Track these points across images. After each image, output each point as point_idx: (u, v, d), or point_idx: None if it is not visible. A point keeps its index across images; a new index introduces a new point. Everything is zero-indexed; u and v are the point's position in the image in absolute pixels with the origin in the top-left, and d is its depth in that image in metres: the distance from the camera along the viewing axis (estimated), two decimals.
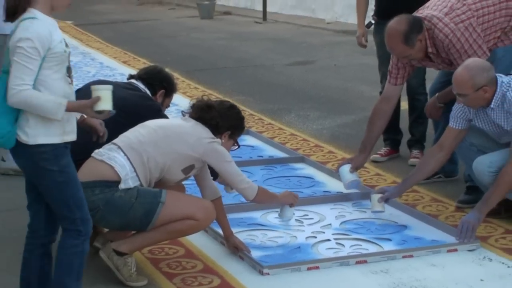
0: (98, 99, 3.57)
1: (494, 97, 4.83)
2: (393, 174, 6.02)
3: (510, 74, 5.13)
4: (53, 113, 3.58)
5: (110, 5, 19.64)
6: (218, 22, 16.88)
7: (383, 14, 6.50)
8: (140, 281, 4.44)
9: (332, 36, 14.21)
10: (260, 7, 16.86)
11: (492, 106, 4.85)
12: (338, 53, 12.43)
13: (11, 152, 3.80)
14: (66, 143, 3.76)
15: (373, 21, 6.95)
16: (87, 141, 4.30)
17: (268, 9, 16.64)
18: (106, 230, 4.72)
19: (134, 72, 5.66)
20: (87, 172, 4.30)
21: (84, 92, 5.10)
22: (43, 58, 3.62)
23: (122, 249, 4.42)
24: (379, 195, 5.26)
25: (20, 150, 3.71)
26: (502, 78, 4.92)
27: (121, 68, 11.01)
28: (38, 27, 3.65)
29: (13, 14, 3.74)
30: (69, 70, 3.82)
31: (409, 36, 5.29)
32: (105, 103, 3.63)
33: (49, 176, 3.70)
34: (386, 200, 5.28)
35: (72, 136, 3.79)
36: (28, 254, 3.95)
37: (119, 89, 4.88)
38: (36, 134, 3.65)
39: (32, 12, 3.70)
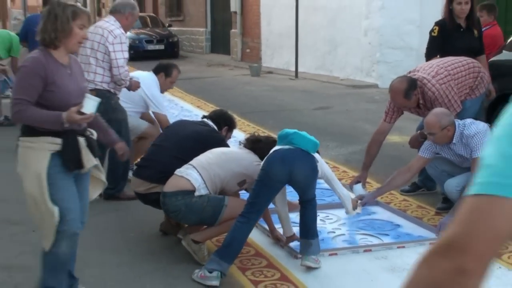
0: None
1: (455, 135, 4.94)
2: (418, 201, 5.91)
3: (477, 119, 5.12)
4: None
5: (188, 66, 19.68)
6: (263, 79, 16.91)
7: None
8: None
9: (345, 89, 14.16)
10: (293, 68, 16.87)
11: (454, 141, 4.97)
12: (348, 101, 12.40)
13: None
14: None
15: None
16: (170, 164, 4.45)
17: (299, 69, 16.65)
18: (185, 225, 4.71)
19: (205, 113, 5.68)
20: (171, 185, 4.34)
21: (172, 128, 5.18)
22: None
23: (198, 239, 4.46)
24: (357, 201, 5.20)
25: None
26: (458, 121, 5.00)
27: (195, 111, 11.07)
28: None
29: None
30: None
31: (408, 92, 5.37)
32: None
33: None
34: (363, 204, 5.29)
35: None
36: None
37: (195, 125, 4.97)
38: None
39: None
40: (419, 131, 5.82)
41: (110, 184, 6.02)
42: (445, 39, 6.01)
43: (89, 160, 3.51)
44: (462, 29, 5.98)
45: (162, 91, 6.12)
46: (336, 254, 4.57)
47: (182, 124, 5.26)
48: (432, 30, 6.19)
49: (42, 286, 3.68)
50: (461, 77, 5.68)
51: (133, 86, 5.89)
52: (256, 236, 4.79)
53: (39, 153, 3.40)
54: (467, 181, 4.86)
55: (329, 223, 5.27)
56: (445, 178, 5.18)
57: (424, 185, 5.99)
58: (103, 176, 3.87)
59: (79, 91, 3.54)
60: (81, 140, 3.49)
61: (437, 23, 6.16)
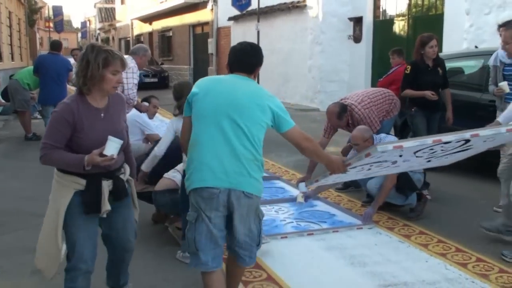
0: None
1: None
2: (348, 196, 5.88)
3: (390, 134, 5.16)
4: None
5: None
6: None
7: (420, 106, 5.92)
8: None
9: (294, 112, 14.14)
10: None
11: None
12: (297, 121, 12.24)
13: None
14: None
15: (413, 110, 6.00)
16: (159, 169, 4.37)
17: None
18: (172, 216, 4.65)
19: None
20: (161, 185, 4.28)
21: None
22: None
23: (181, 226, 4.38)
24: (301, 194, 5.49)
25: None
26: (375, 136, 5.06)
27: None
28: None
29: None
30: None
31: (340, 114, 5.41)
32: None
33: None
34: (308, 198, 5.45)
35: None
36: None
37: (178, 139, 4.85)
38: None
39: None
40: (349, 143, 5.88)
41: None
42: (416, 76, 5.83)
43: (105, 205, 2.83)
44: (429, 68, 5.85)
45: (150, 117, 6.09)
46: (286, 237, 4.53)
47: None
48: (405, 69, 6.05)
49: None
50: (380, 103, 5.76)
51: (143, 108, 6.11)
52: None
53: (65, 189, 2.82)
54: (382, 181, 4.91)
55: (281, 213, 5.22)
56: (367, 179, 5.15)
57: (352, 184, 6.00)
58: (136, 214, 3.22)
59: (113, 133, 2.78)
60: (105, 184, 2.82)
61: (409, 63, 6.06)
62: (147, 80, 22.78)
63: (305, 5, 15.07)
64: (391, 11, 13.56)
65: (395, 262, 4.01)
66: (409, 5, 12.82)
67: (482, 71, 6.38)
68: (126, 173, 3.02)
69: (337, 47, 14.40)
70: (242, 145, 2.77)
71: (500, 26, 5.06)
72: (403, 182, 4.95)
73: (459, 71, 7.17)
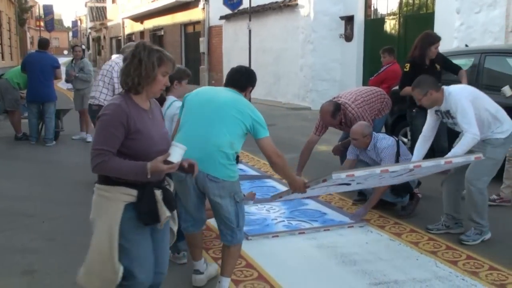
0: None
1: (370, 144, 4.94)
2: (339, 194, 5.88)
3: (380, 132, 5.16)
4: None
5: None
6: None
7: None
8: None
9: (286, 111, 14.22)
10: None
11: (368, 148, 4.97)
12: (289, 120, 12.45)
13: None
14: None
15: (414, 111, 5.96)
16: None
17: (252, 96, 16.54)
18: None
19: None
20: None
21: None
22: None
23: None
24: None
25: None
26: (375, 134, 5.01)
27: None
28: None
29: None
30: None
31: (334, 113, 5.39)
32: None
33: None
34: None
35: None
36: None
37: None
38: None
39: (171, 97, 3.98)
40: (340, 142, 5.89)
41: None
42: (415, 73, 5.51)
43: (164, 213, 2.59)
44: (426, 66, 5.78)
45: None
46: (277, 236, 4.53)
47: None
48: (404, 67, 5.99)
49: None
50: (372, 102, 5.78)
51: None
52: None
53: (113, 203, 2.52)
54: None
55: (273, 212, 5.22)
56: None
57: None
58: (175, 228, 2.90)
59: (161, 136, 2.64)
60: (157, 193, 2.59)
61: (408, 61, 5.94)
62: None
63: (297, 4, 15.08)
64: (382, 10, 13.60)
65: (386, 260, 4.02)
66: (400, 4, 12.86)
67: (473, 70, 6.40)
68: (171, 185, 2.81)
69: (328, 46, 14.43)
70: (216, 135, 3.13)
71: None
72: (399, 184, 4.96)
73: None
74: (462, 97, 4.14)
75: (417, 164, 3.78)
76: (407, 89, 5.62)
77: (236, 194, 3.26)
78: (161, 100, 3.86)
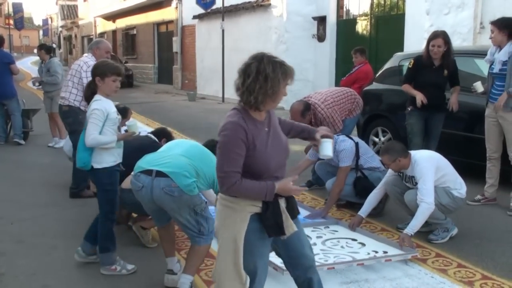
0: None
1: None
2: (312, 194, 5.89)
3: (348, 137, 5.18)
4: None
5: (140, 93, 19.40)
6: (198, 103, 16.80)
7: (416, 105, 5.55)
8: (153, 244, 4.34)
9: None
10: (221, 95, 16.85)
11: None
12: None
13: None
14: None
15: (409, 109, 5.69)
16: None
17: (225, 96, 16.63)
18: (135, 215, 4.59)
19: (150, 129, 5.54)
20: (127, 183, 4.11)
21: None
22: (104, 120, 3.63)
23: (145, 226, 4.35)
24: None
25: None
26: (335, 137, 4.99)
27: (145, 127, 10.81)
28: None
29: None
30: (118, 128, 3.79)
31: (303, 112, 5.38)
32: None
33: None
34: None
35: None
36: (96, 220, 3.92)
37: (141, 139, 4.81)
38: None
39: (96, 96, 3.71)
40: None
41: (73, 184, 5.85)
42: (418, 72, 5.56)
43: (290, 226, 2.50)
44: (434, 67, 5.47)
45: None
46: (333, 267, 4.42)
47: (133, 138, 5.07)
48: (409, 63, 5.76)
49: None
50: (343, 103, 5.80)
51: None
52: None
53: (239, 214, 2.44)
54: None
55: None
56: (329, 176, 5.22)
57: (316, 182, 6.04)
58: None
59: (279, 147, 2.53)
60: (282, 203, 2.50)
61: (413, 58, 5.69)
62: None
63: (270, 4, 15.11)
64: (354, 11, 13.73)
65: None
66: (372, 5, 12.99)
67: None
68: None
69: (301, 46, 14.49)
70: (188, 156, 3.49)
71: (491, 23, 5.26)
72: (361, 188, 5.04)
73: None
74: (426, 169, 4.28)
75: (360, 262, 3.83)
76: (404, 87, 5.68)
77: (196, 207, 3.33)
78: (88, 99, 3.78)
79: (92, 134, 3.58)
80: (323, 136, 2.82)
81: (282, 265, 3.42)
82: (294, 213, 2.58)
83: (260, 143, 2.43)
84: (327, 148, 2.74)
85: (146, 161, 3.50)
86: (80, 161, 3.69)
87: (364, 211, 4.59)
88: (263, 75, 2.37)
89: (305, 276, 2.71)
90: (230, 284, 2.51)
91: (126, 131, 4.09)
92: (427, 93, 5.47)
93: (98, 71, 3.72)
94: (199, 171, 3.40)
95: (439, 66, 5.49)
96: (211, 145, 3.84)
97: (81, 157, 3.68)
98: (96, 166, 3.66)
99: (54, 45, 52.27)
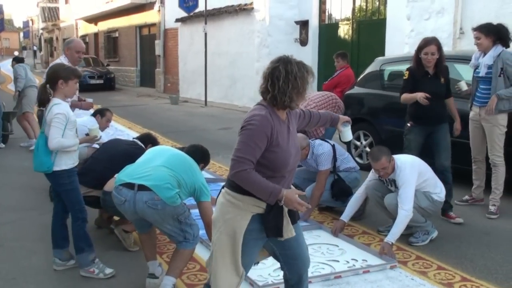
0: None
1: (309, 153, 5.00)
2: None
3: (326, 141, 5.20)
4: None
5: (122, 97, 19.29)
6: (180, 106, 16.73)
7: (418, 120, 5.09)
8: (135, 248, 4.32)
9: (242, 114, 14.15)
10: (203, 98, 16.83)
11: (308, 158, 5.03)
12: None
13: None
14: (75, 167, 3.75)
15: (408, 125, 5.14)
16: (104, 173, 4.25)
17: (208, 99, 16.63)
18: (117, 218, 4.55)
19: (134, 132, 5.48)
20: (110, 186, 4.05)
21: (104, 144, 4.96)
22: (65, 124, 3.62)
23: (127, 229, 4.32)
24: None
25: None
26: (311, 142, 5.10)
27: (127, 131, 10.77)
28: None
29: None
30: (76, 130, 3.79)
31: None
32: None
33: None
34: None
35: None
36: (53, 225, 3.93)
37: (126, 145, 4.77)
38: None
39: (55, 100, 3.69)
40: None
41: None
42: (415, 83, 5.02)
43: (289, 231, 2.59)
44: (429, 76, 4.99)
45: (101, 129, 5.78)
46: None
47: (116, 142, 4.98)
48: (403, 74, 5.21)
49: None
50: (324, 107, 5.87)
51: (85, 106, 5.78)
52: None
53: (242, 212, 2.51)
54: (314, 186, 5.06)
55: None
56: (306, 183, 5.24)
57: (296, 187, 6.04)
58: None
59: (296, 146, 2.63)
60: (285, 207, 2.56)
61: (407, 69, 5.13)
62: (93, 81, 22.36)
63: (252, 8, 15.14)
64: (336, 15, 13.81)
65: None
66: (353, 9, 13.09)
67: None
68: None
69: (284, 50, 14.49)
70: (169, 167, 3.52)
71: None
72: (338, 191, 5.08)
73: (400, 74, 7.35)
74: (409, 176, 4.33)
75: (338, 275, 3.80)
76: (405, 96, 5.11)
77: (180, 216, 3.39)
78: (45, 102, 3.75)
79: (56, 137, 3.57)
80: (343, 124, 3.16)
81: (258, 280, 3.63)
82: (294, 218, 2.66)
83: (282, 140, 2.51)
84: (348, 135, 3.15)
85: (127, 174, 3.48)
86: (44, 165, 3.65)
87: (346, 215, 4.63)
88: (293, 76, 2.47)
89: (298, 278, 2.80)
90: (225, 275, 2.57)
91: (87, 134, 4.06)
92: (428, 105, 4.91)
93: (63, 74, 3.69)
94: (180, 181, 3.42)
95: (434, 74, 5.04)
96: (192, 151, 3.87)
97: (44, 161, 3.64)
98: (55, 168, 3.65)
99: (35, 48, 51.74)
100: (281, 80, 2.47)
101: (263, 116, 2.46)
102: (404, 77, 5.19)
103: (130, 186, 3.38)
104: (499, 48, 5.13)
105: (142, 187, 3.34)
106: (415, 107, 5.04)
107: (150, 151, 3.80)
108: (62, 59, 5.62)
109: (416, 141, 5.10)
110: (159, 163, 3.47)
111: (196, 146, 4.08)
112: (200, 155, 3.95)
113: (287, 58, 2.54)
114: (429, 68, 5.01)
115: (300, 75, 2.49)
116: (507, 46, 5.21)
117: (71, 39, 6.04)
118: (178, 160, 3.55)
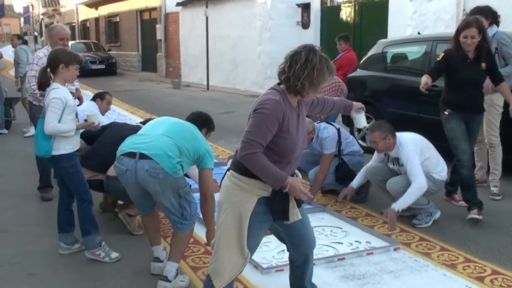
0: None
1: (314, 137, 4.98)
2: None
3: (331, 124, 5.20)
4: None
5: (124, 82, 19.24)
6: (182, 91, 16.71)
7: (455, 108, 4.61)
8: (139, 232, 4.33)
9: (244, 98, 14.20)
10: (205, 82, 16.79)
11: (313, 141, 5.01)
12: (247, 107, 12.35)
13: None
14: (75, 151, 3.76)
15: (446, 113, 4.63)
16: (108, 157, 4.21)
17: (210, 83, 16.60)
18: (121, 202, 4.56)
19: (136, 117, 5.45)
20: (113, 171, 4.06)
21: (109, 128, 4.90)
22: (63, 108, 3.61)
23: (131, 213, 4.33)
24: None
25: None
26: (316, 126, 5.09)
27: (129, 116, 10.77)
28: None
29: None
30: (76, 115, 3.78)
31: None
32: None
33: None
34: None
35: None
36: (59, 210, 3.95)
37: (131, 130, 4.68)
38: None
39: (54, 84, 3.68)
40: None
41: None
42: (450, 68, 4.59)
43: (295, 214, 2.63)
44: (468, 60, 4.54)
45: (102, 113, 5.73)
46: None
47: (121, 126, 4.94)
48: (439, 55, 4.85)
49: None
50: (327, 90, 5.85)
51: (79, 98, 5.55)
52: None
53: (248, 195, 2.53)
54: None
55: None
56: (309, 166, 5.26)
57: (300, 170, 6.03)
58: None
59: (304, 134, 2.67)
60: None
61: (444, 51, 4.69)
62: (94, 66, 22.30)
63: None
64: None
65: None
66: None
67: (425, 57, 6.53)
68: (299, 176, 2.76)
69: (285, 33, 14.45)
70: (170, 135, 3.42)
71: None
72: (342, 174, 5.09)
73: (403, 56, 7.33)
74: (411, 151, 4.36)
75: (341, 257, 3.81)
76: (424, 78, 4.61)
77: (180, 190, 3.30)
78: (45, 86, 3.73)
79: (51, 122, 3.55)
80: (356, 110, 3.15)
81: (263, 262, 3.61)
82: (299, 202, 2.69)
83: (291, 127, 2.53)
84: (362, 121, 3.11)
85: (129, 144, 3.44)
86: (42, 150, 3.65)
87: (355, 183, 4.79)
88: (311, 64, 2.46)
89: (304, 259, 2.84)
90: (230, 257, 2.59)
91: (85, 120, 4.03)
92: (464, 92, 4.57)
93: (64, 59, 3.66)
94: (182, 149, 3.34)
95: (475, 59, 4.56)
96: (193, 118, 3.83)
97: (42, 145, 3.64)
98: (54, 153, 3.64)
99: (36, 33, 51.49)
100: (299, 65, 2.47)
101: (276, 101, 2.48)
102: (438, 59, 4.80)
103: (131, 155, 3.32)
104: (494, 28, 5.16)
105: (143, 156, 3.28)
106: (451, 93, 4.66)
107: (151, 122, 3.72)
108: (45, 50, 5.17)
109: (459, 127, 4.62)
110: (160, 132, 3.41)
111: (196, 112, 3.98)
112: (201, 121, 3.86)
113: (313, 47, 2.53)
114: (469, 52, 4.54)
115: (319, 67, 2.47)
116: (498, 25, 5.27)
117: (54, 25, 5.62)
118: (179, 128, 3.48)
